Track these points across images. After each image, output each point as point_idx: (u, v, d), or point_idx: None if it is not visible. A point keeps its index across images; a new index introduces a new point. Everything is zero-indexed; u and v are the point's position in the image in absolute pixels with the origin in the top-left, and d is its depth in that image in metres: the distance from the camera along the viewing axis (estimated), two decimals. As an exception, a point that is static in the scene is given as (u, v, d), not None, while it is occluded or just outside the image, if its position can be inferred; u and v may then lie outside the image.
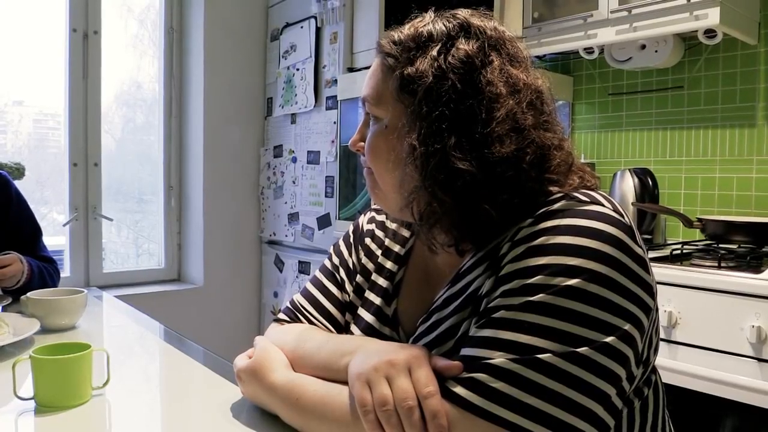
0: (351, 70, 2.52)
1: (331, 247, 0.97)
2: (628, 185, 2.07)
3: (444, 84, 0.70)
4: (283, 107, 2.93)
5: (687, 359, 1.51)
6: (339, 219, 2.54)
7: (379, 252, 0.90)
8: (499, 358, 0.60)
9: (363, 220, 0.97)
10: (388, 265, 0.88)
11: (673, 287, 1.54)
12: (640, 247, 0.65)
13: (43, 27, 2.71)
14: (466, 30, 0.73)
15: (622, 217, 0.66)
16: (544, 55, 2.43)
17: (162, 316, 1.51)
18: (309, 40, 2.71)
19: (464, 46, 0.71)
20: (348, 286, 0.90)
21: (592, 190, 0.71)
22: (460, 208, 0.70)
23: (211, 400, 0.87)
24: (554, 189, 0.71)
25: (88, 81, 2.72)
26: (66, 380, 0.82)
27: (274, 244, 3.04)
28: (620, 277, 0.62)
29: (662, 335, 1.56)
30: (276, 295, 3.02)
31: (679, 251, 1.76)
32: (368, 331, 0.84)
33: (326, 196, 2.65)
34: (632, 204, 2.04)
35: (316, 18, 2.67)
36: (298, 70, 2.80)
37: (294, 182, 2.87)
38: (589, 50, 2.22)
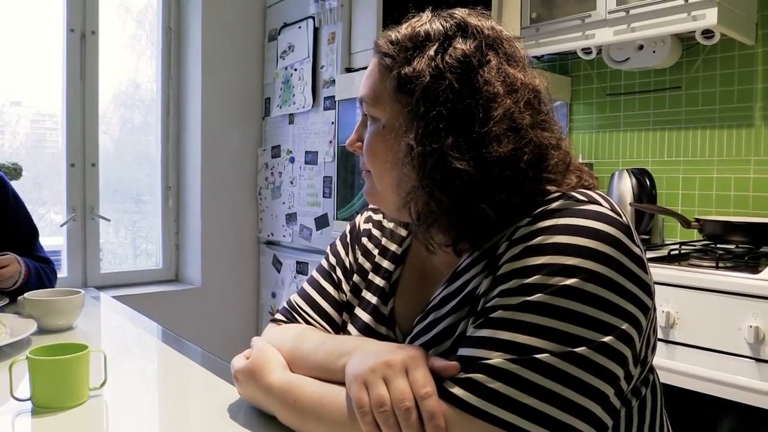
0: (349, 70, 2.51)
1: (328, 246, 0.97)
2: (625, 185, 2.07)
3: (441, 83, 0.70)
4: (280, 107, 2.93)
5: (685, 359, 1.52)
6: (337, 219, 2.54)
7: (376, 251, 0.90)
8: (496, 359, 0.60)
9: (360, 219, 0.96)
10: (385, 264, 0.88)
11: (671, 287, 1.55)
12: (638, 246, 0.65)
13: (40, 27, 2.71)
14: (463, 29, 0.73)
15: (620, 216, 0.66)
16: (542, 56, 2.43)
17: (160, 316, 1.50)
18: (307, 40, 2.71)
19: (461, 45, 0.71)
20: (345, 286, 0.90)
21: (590, 189, 0.71)
22: (458, 207, 0.69)
23: (209, 401, 0.87)
24: (552, 188, 0.71)
25: (86, 81, 2.71)
26: (63, 381, 0.82)
27: (272, 244, 3.04)
28: (618, 276, 0.62)
29: (660, 335, 1.56)
30: (274, 295, 3.01)
31: (676, 251, 1.76)
32: (365, 330, 0.84)
33: (324, 197, 2.65)
34: (630, 204, 2.04)
35: (314, 18, 2.67)
36: (296, 70, 2.80)
37: (292, 182, 2.87)
38: (587, 50, 2.22)
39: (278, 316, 0.92)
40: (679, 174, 2.20)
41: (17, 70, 2.69)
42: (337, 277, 0.91)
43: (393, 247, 0.89)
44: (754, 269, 1.52)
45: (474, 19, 0.75)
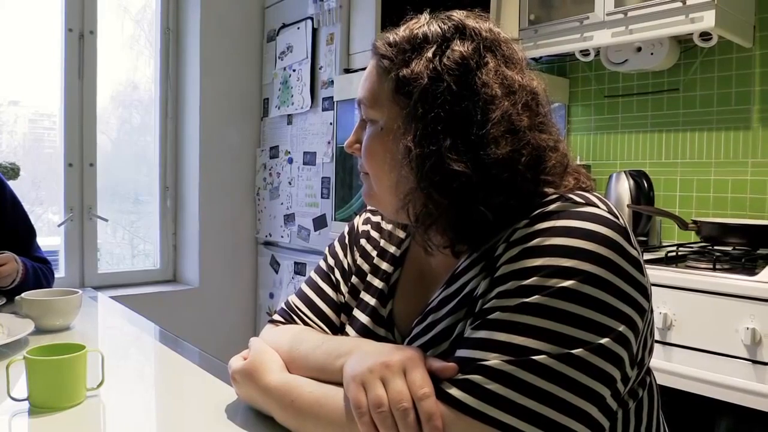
0: (347, 71, 2.52)
1: (326, 248, 0.97)
2: (623, 187, 2.07)
3: (439, 85, 0.70)
4: (279, 108, 2.93)
5: (682, 361, 1.52)
6: (335, 220, 2.54)
7: (374, 253, 0.90)
8: (493, 360, 0.60)
9: (358, 221, 0.97)
10: (384, 266, 0.88)
11: (668, 289, 1.55)
12: (635, 248, 0.66)
13: (38, 27, 2.70)
14: (461, 31, 0.73)
15: (617, 218, 0.66)
16: (540, 57, 2.44)
17: (157, 317, 1.50)
18: (305, 41, 2.71)
19: (459, 47, 0.71)
20: (343, 287, 0.90)
21: (588, 191, 0.71)
22: (456, 209, 0.70)
23: (206, 402, 0.86)
24: (550, 190, 0.71)
25: (84, 81, 2.71)
26: (60, 381, 0.82)
27: (270, 245, 3.04)
28: (615, 278, 0.62)
29: (657, 337, 1.56)
30: (272, 296, 3.01)
31: (674, 253, 1.77)
32: (363, 332, 0.84)
33: (322, 197, 2.65)
34: (627, 206, 2.05)
35: (312, 19, 2.67)
36: (294, 71, 2.80)
37: (290, 183, 2.87)
38: (585, 52, 2.23)
39: (276, 317, 0.92)
40: (676, 176, 2.21)
41: (15, 69, 2.69)
42: (336, 278, 0.91)
43: (391, 249, 0.89)
44: (751, 271, 1.52)
45: (472, 21, 0.75)
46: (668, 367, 1.53)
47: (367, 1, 2.43)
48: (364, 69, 0.82)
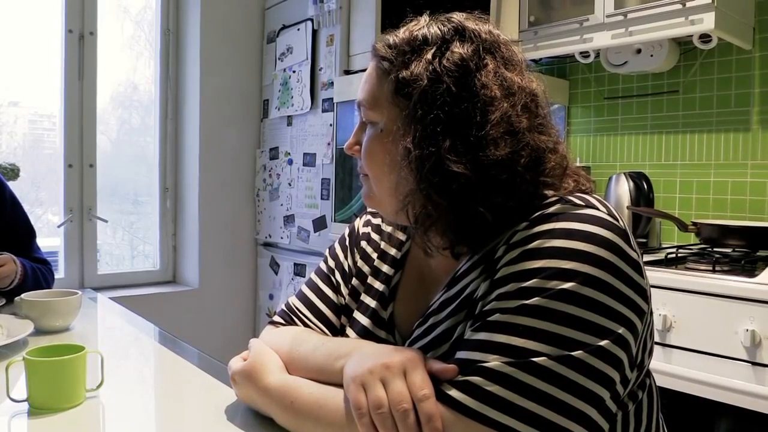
0: (347, 72, 2.52)
1: (327, 249, 0.97)
2: (623, 189, 2.08)
3: (439, 87, 0.70)
4: (279, 109, 2.93)
5: (681, 363, 1.52)
6: (335, 221, 2.54)
7: (375, 255, 0.90)
8: (493, 362, 0.60)
9: (359, 223, 0.97)
10: (384, 268, 0.88)
11: (668, 291, 1.55)
12: (635, 250, 0.66)
13: (38, 28, 2.71)
14: (460, 33, 0.73)
15: (617, 220, 0.66)
16: (540, 59, 2.44)
17: (157, 318, 1.50)
18: (305, 42, 2.71)
19: (459, 49, 0.72)
20: (343, 289, 0.90)
21: (587, 193, 0.72)
22: (455, 210, 0.70)
23: (206, 403, 0.87)
24: (549, 192, 0.71)
25: (84, 82, 2.71)
26: (59, 382, 0.82)
27: (270, 246, 3.04)
28: (614, 280, 0.62)
29: (657, 339, 1.56)
30: (271, 297, 3.01)
31: (674, 255, 1.77)
32: (363, 333, 0.84)
33: (322, 199, 2.65)
34: (627, 208, 2.05)
35: (312, 20, 2.67)
36: (294, 72, 2.80)
37: (290, 184, 2.87)
38: (585, 54, 2.23)
39: (276, 318, 0.92)
40: (676, 177, 2.21)
41: (15, 70, 2.69)
42: (336, 280, 0.91)
43: (392, 251, 0.89)
44: (751, 273, 1.52)
45: (471, 23, 0.75)
46: (668, 368, 1.53)
47: (367, 3, 2.43)
48: (363, 70, 0.82)
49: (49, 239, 2.70)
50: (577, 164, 2.37)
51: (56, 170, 2.73)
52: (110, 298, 1.69)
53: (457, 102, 0.69)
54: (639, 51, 2.12)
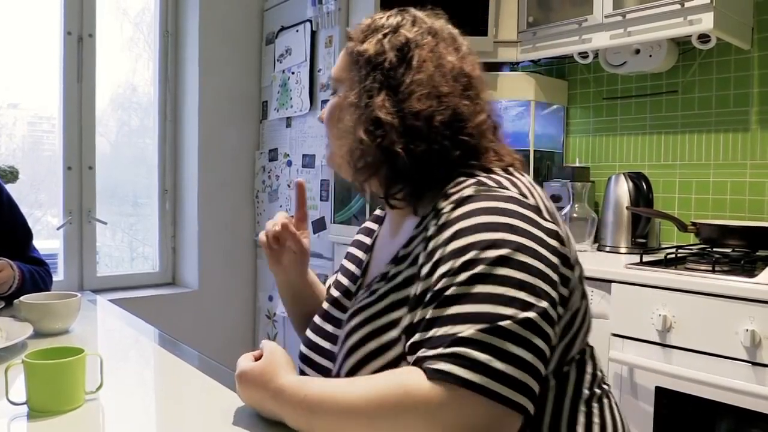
0: (346, 73, 2.52)
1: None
2: (622, 189, 2.08)
3: (382, 56, 0.85)
4: (278, 111, 2.93)
5: (681, 363, 1.52)
6: (334, 223, 2.54)
7: (361, 233, 1.07)
8: (467, 331, 0.65)
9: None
10: (366, 240, 1.03)
11: (668, 291, 1.55)
12: (549, 221, 0.75)
13: (37, 30, 2.70)
14: (413, 23, 0.88)
15: (526, 198, 0.76)
16: (539, 59, 2.44)
17: (156, 320, 1.50)
18: (304, 43, 2.71)
19: (406, 32, 0.86)
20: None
21: (508, 171, 0.83)
22: (385, 156, 0.82)
23: (206, 405, 0.86)
24: (469, 164, 0.82)
25: (83, 84, 2.71)
26: (59, 385, 0.82)
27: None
28: (535, 245, 0.71)
29: (657, 339, 1.56)
30: (271, 298, 3.01)
31: (673, 255, 1.77)
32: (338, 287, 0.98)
33: (321, 200, 2.65)
34: (627, 208, 2.05)
35: (311, 22, 2.67)
36: (293, 73, 2.80)
37: (289, 186, 2.87)
38: (583, 54, 2.23)
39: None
40: (675, 178, 2.21)
41: (14, 72, 2.69)
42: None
43: (371, 225, 1.06)
44: (750, 273, 1.52)
45: (427, 17, 0.89)
46: (668, 369, 1.53)
47: (365, 4, 2.43)
48: (362, 71, 0.91)
49: (49, 241, 2.70)
50: (576, 164, 2.38)
51: (55, 172, 2.73)
52: (110, 300, 1.69)
53: (394, 68, 0.84)
54: (638, 51, 2.12)
